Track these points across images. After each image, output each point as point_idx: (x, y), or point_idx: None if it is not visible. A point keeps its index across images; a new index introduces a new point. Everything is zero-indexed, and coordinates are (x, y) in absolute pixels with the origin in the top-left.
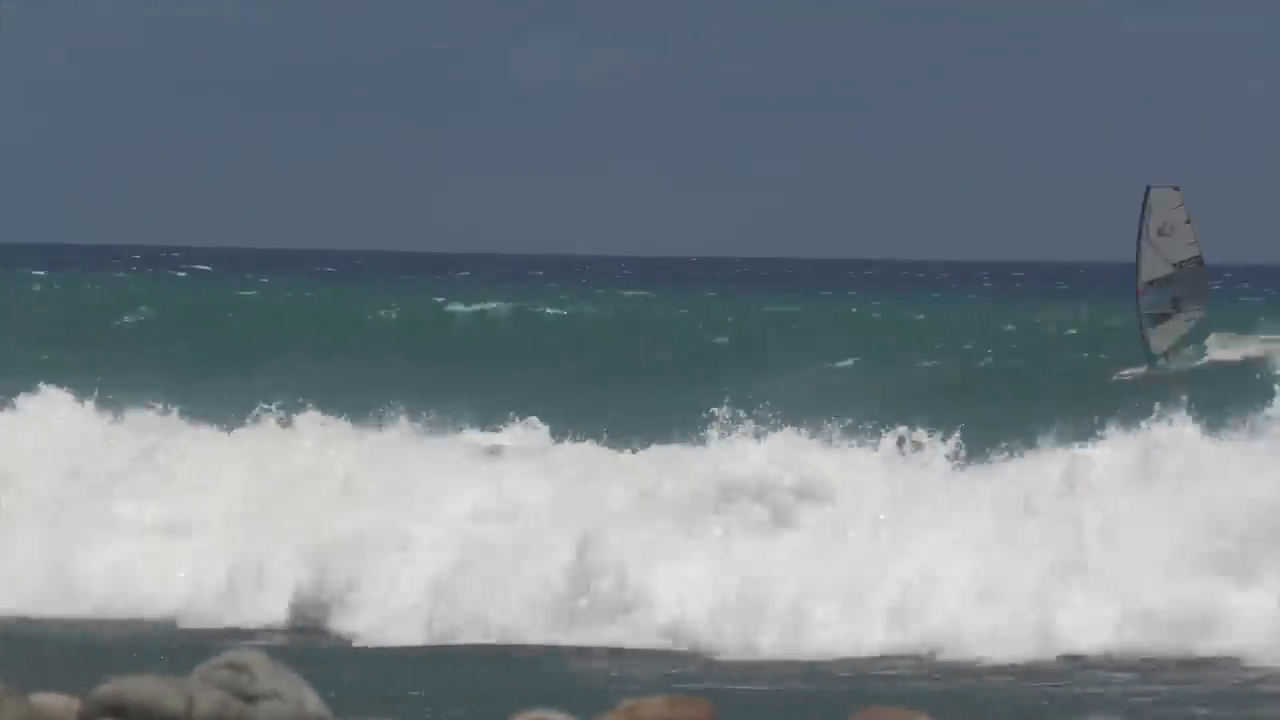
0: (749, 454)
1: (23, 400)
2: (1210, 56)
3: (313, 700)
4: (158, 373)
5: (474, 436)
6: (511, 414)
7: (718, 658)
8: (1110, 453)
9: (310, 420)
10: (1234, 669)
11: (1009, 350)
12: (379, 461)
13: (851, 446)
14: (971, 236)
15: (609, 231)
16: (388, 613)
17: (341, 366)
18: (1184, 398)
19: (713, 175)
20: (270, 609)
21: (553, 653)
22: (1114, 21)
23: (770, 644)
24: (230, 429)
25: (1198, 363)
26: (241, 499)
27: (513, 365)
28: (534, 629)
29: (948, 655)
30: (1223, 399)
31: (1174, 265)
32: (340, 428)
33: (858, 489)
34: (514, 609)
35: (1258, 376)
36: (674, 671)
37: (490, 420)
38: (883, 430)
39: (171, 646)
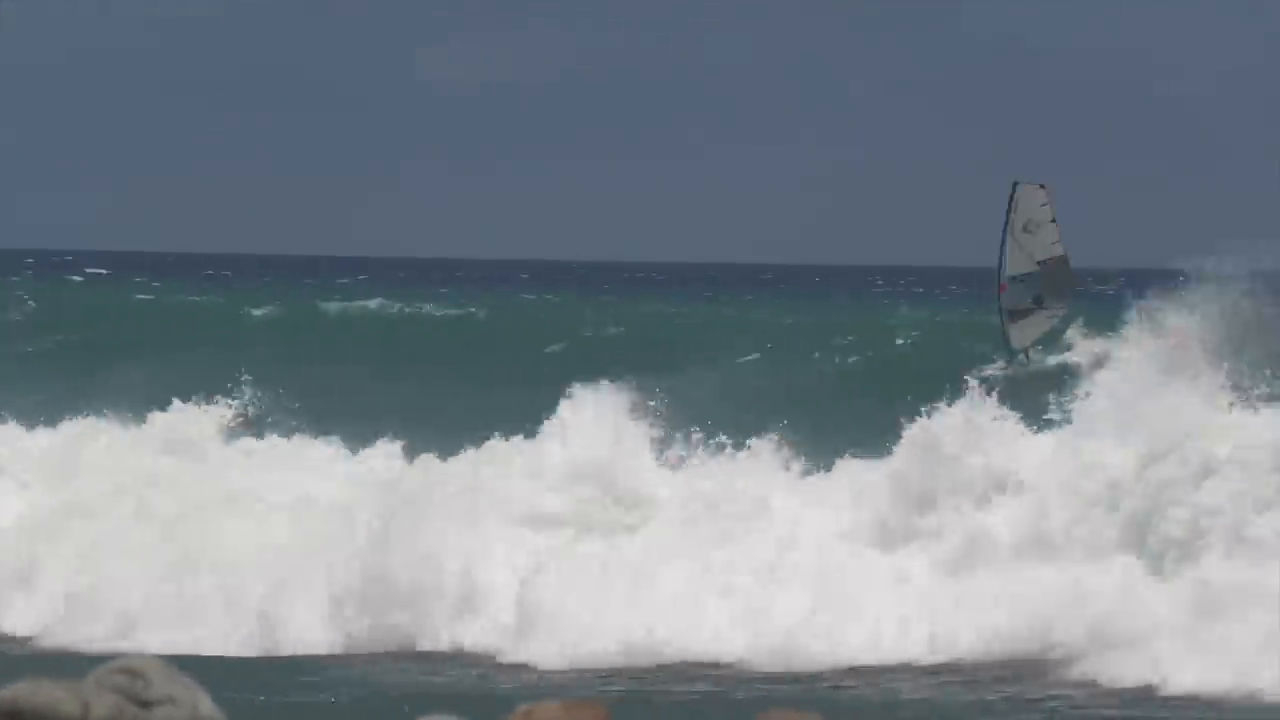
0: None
1: None
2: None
3: (207, 705)
4: None
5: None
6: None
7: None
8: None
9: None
10: None
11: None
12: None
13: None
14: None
15: (511, 234)
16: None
17: (172, 365)
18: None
19: (617, 178)
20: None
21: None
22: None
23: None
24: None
25: (1059, 360)
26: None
27: (351, 361)
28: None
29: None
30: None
31: (1037, 262)
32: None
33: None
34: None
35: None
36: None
37: (320, 416)
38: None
39: None
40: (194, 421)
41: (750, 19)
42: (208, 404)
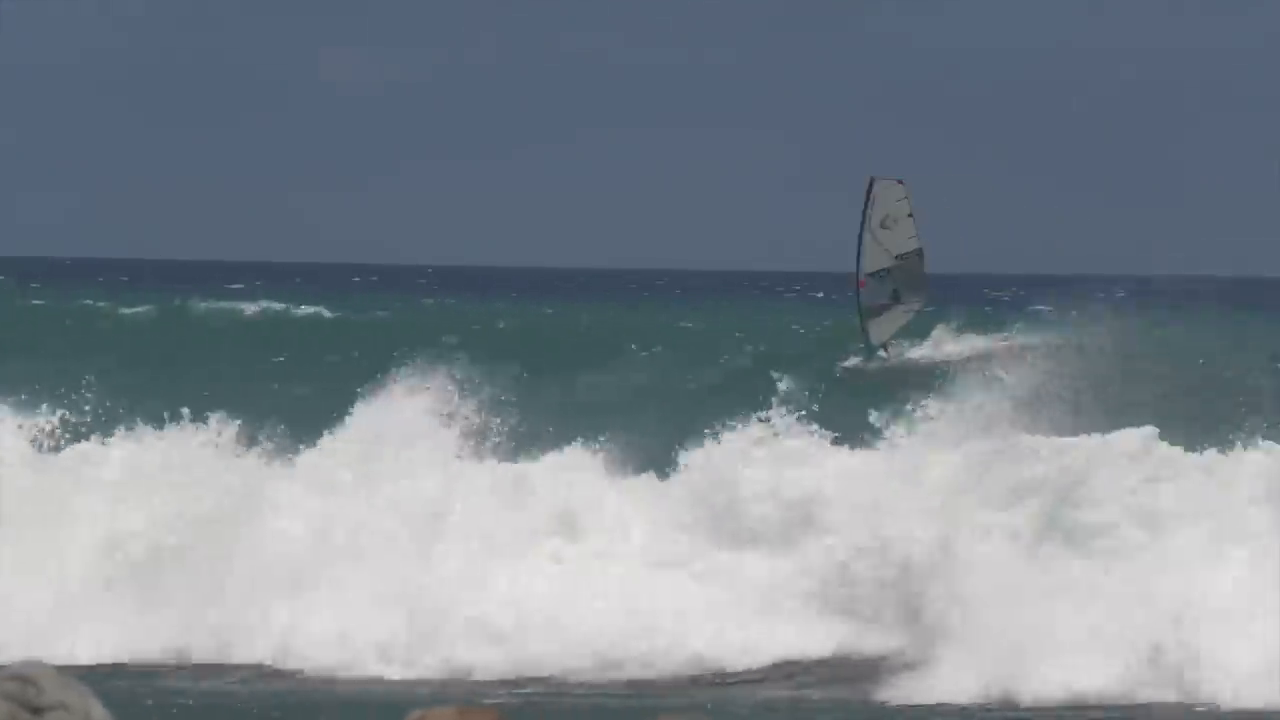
0: None
1: None
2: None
3: (99, 711)
4: None
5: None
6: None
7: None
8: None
9: None
10: None
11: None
12: None
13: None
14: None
15: (421, 237)
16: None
17: None
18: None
19: (518, 181)
20: None
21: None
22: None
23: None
24: None
25: (918, 355)
26: None
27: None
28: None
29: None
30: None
31: (895, 257)
32: None
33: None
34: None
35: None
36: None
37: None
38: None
39: None
40: None
41: (616, 17)
42: None
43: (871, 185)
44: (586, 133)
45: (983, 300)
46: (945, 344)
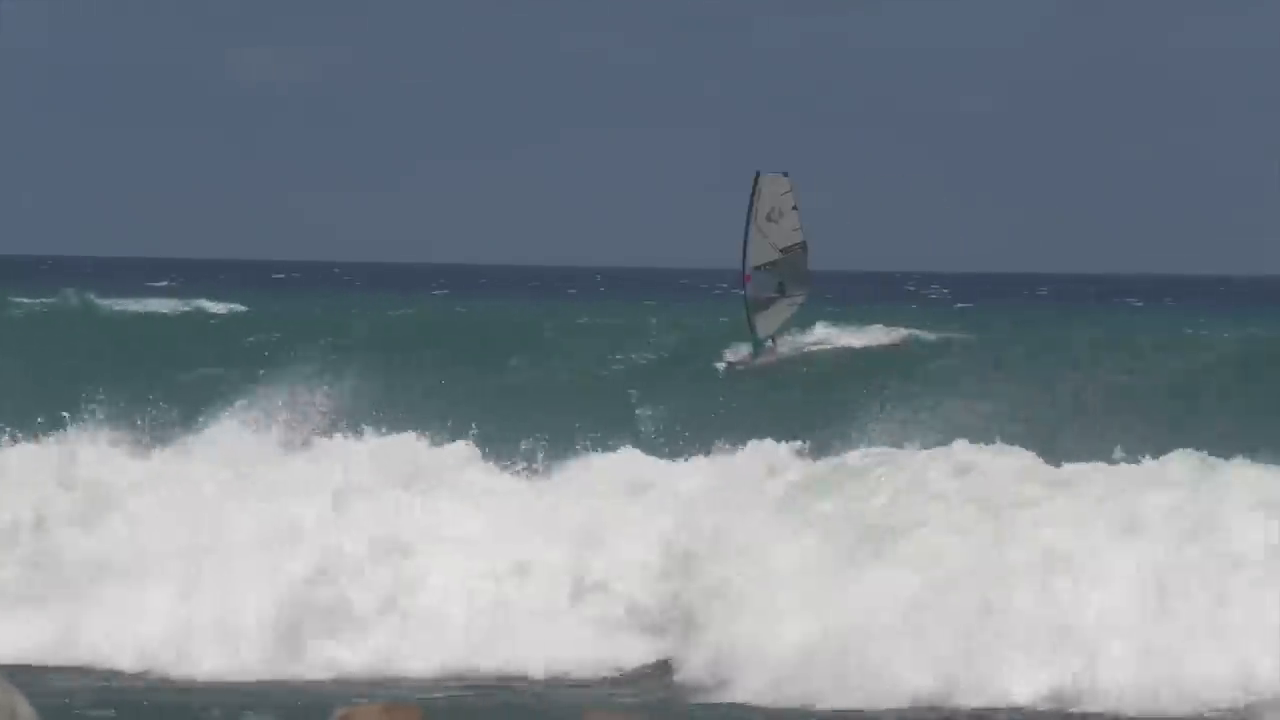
0: None
1: None
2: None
3: (25, 708)
4: None
5: None
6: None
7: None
8: None
9: None
10: None
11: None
12: None
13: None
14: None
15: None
16: None
17: None
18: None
19: (436, 179)
20: None
21: None
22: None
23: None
24: None
25: (806, 348)
26: None
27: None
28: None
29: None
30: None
31: (780, 250)
32: None
33: None
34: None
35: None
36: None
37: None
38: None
39: None
40: None
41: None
42: None
43: (757, 179)
44: (571, 132)
45: (904, 297)
46: (835, 334)
